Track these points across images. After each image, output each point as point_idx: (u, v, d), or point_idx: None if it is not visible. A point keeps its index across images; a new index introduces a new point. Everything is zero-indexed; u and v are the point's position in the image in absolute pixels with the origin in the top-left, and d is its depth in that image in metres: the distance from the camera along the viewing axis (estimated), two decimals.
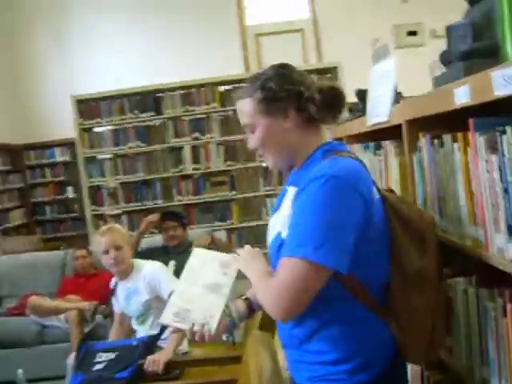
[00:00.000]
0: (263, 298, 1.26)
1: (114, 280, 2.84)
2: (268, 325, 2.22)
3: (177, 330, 1.54)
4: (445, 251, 1.38)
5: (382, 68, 1.90)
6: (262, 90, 1.33)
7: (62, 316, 4.02)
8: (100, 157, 5.88)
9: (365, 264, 1.25)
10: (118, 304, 2.83)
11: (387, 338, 1.29)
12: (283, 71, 1.35)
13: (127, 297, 2.74)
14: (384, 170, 1.92)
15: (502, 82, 0.96)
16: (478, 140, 1.14)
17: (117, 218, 5.81)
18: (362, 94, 2.76)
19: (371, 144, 2.13)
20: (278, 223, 1.34)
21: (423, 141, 1.49)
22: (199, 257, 1.58)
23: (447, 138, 1.33)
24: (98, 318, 3.97)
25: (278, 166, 1.43)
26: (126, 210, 5.79)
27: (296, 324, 1.31)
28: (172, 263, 3.86)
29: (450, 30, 1.40)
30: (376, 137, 2.10)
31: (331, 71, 5.57)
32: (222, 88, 5.68)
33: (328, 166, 1.24)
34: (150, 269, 2.73)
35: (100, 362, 2.39)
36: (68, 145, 7.11)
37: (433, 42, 6.89)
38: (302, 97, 1.31)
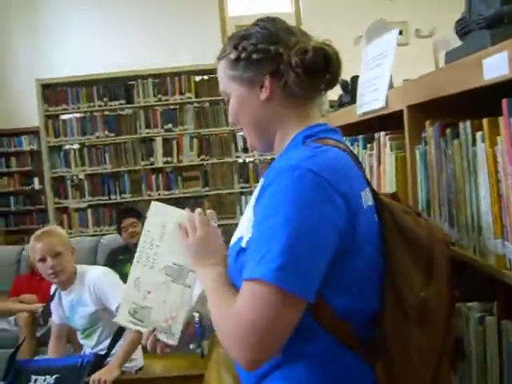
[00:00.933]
0: (221, 332, 0.94)
1: (54, 286, 2.49)
2: None
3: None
4: (454, 267, 1.09)
5: (377, 47, 1.62)
6: (236, 50, 1.06)
7: (11, 318, 3.67)
8: (66, 146, 5.52)
9: (346, 291, 0.95)
10: (62, 313, 2.47)
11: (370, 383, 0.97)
12: (266, 27, 1.06)
13: (71, 309, 2.39)
14: (376, 167, 1.64)
15: None
16: None
17: (81, 211, 5.48)
18: (347, 85, 2.49)
19: (360, 137, 1.84)
20: (241, 224, 1.04)
21: (430, 130, 1.21)
22: (159, 215, 1.21)
23: (466, 125, 1.05)
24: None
25: (256, 147, 1.14)
26: (92, 203, 5.44)
27: None
28: None
29: None
30: (367, 129, 1.82)
31: None
32: (197, 78, 5.37)
33: (303, 155, 0.94)
34: (95, 276, 2.37)
35: None
36: (35, 133, 6.71)
37: (417, 42, 6.75)
38: (280, 60, 1.02)
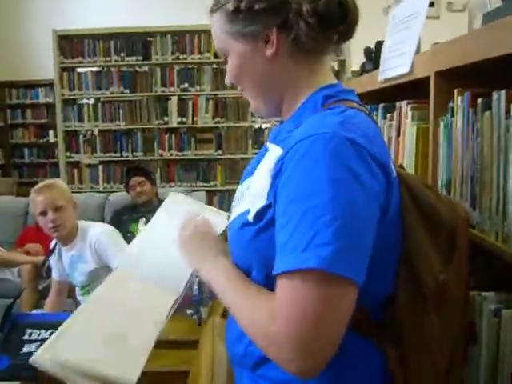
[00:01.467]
0: (265, 339, 0.79)
1: (54, 241, 2.43)
2: None
3: None
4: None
5: (406, 7, 1.49)
6: (233, 0, 0.91)
7: (15, 269, 3.66)
8: (82, 101, 5.43)
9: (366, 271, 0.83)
10: (61, 269, 2.42)
11: (379, 371, 0.88)
12: None
13: (71, 265, 2.34)
14: (394, 138, 1.53)
15: None
16: None
17: (92, 167, 5.43)
18: (370, 52, 2.35)
19: (380, 106, 1.73)
20: (248, 196, 0.92)
21: (459, 100, 1.09)
22: (171, 208, 1.20)
23: (500, 95, 0.93)
24: None
25: (262, 111, 1.02)
26: (103, 159, 5.37)
27: None
28: (142, 221, 3.53)
29: None
30: (388, 99, 1.70)
31: None
32: None
33: (334, 120, 0.81)
34: (97, 234, 2.31)
35: (31, 342, 1.95)
36: (51, 86, 6.63)
37: (448, 16, 6.46)
38: (288, 10, 0.88)
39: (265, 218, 0.85)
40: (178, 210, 1.17)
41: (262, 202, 0.86)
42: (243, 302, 0.85)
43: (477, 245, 1.02)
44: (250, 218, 0.87)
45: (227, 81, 1.02)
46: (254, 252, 0.88)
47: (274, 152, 0.90)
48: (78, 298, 2.42)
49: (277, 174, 0.83)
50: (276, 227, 0.80)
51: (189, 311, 1.26)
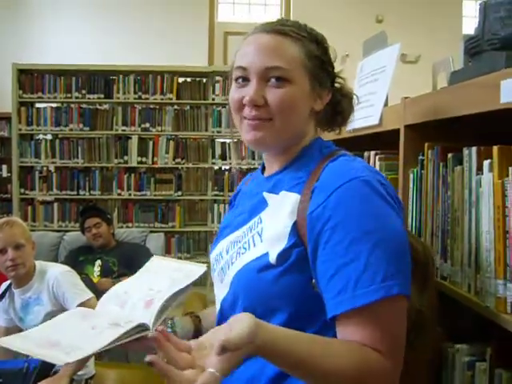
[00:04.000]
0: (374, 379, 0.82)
1: (5, 285, 2.31)
2: None
3: None
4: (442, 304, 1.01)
5: (375, 61, 1.54)
6: (318, 47, 1.00)
7: None
8: (38, 136, 5.31)
9: None
10: (13, 314, 2.27)
11: None
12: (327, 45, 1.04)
13: (25, 308, 2.22)
14: None
15: None
16: None
17: (47, 205, 5.27)
18: None
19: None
20: (265, 240, 0.93)
21: (429, 153, 1.12)
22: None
23: (471, 151, 0.96)
24: None
25: (267, 144, 0.98)
26: (59, 197, 5.24)
27: None
28: (98, 263, 3.42)
29: (485, 9, 1.04)
30: (353, 150, 1.73)
31: None
32: (180, 79, 5.24)
33: (358, 165, 0.92)
34: (56, 274, 2.21)
35: None
36: (7, 119, 6.48)
37: (402, 67, 6.73)
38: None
39: (289, 259, 0.88)
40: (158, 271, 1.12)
41: (282, 244, 0.90)
42: (333, 362, 0.79)
43: (448, 296, 1.03)
44: (272, 260, 0.90)
45: (254, 97, 0.94)
46: (278, 292, 0.89)
47: (287, 198, 0.93)
48: None
49: (318, 218, 0.86)
50: (326, 267, 0.84)
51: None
